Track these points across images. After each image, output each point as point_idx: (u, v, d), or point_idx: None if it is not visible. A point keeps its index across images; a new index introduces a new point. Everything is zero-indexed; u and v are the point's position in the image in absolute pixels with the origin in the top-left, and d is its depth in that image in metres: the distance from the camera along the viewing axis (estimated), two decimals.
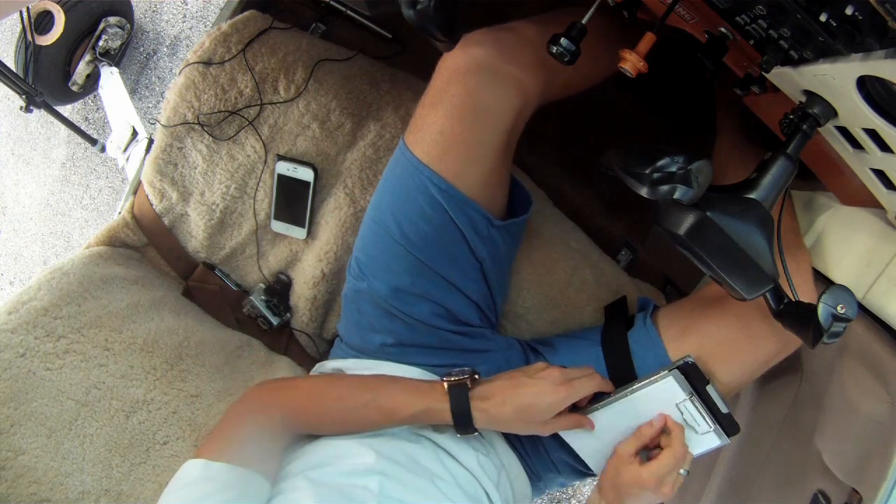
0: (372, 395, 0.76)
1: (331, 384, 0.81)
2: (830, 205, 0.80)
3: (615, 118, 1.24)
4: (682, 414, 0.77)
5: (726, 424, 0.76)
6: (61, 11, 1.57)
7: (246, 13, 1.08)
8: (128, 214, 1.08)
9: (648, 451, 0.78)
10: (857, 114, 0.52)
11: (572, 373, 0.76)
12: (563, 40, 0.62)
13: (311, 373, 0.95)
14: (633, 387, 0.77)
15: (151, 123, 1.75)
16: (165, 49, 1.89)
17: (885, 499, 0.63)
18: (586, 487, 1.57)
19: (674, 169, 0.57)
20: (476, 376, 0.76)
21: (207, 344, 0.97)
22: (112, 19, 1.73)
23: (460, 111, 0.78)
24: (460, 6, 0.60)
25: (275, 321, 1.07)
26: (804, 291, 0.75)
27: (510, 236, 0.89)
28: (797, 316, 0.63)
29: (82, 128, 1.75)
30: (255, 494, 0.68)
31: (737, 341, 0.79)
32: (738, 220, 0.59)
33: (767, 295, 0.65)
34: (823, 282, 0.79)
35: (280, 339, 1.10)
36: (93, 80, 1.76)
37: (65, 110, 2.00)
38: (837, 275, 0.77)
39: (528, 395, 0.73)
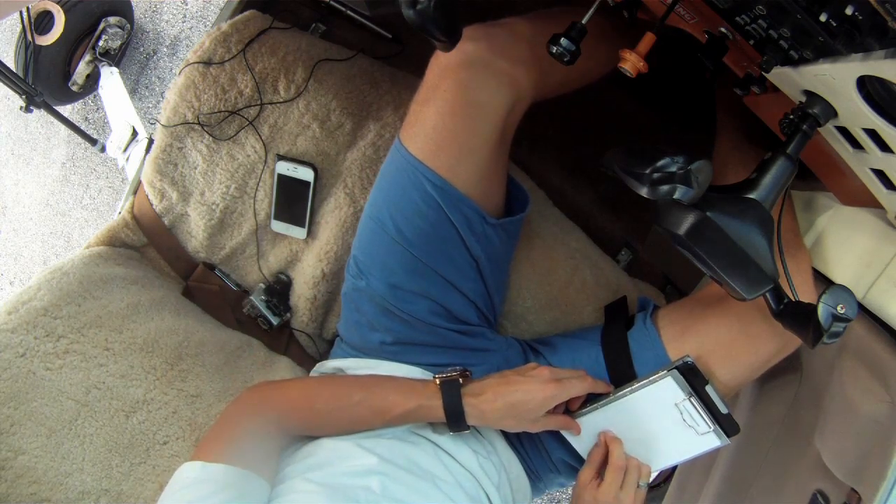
0: (365, 394, 0.76)
1: (324, 384, 0.82)
2: (830, 205, 0.80)
3: (615, 118, 1.24)
4: (681, 414, 0.76)
5: (726, 425, 0.76)
6: (61, 11, 1.57)
7: (246, 13, 1.08)
8: (128, 214, 1.08)
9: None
10: (857, 114, 0.52)
11: (562, 373, 0.77)
12: (563, 40, 0.62)
13: (312, 373, 0.95)
14: (632, 387, 0.78)
15: (151, 123, 1.75)
16: (165, 49, 1.89)
17: (885, 499, 0.63)
18: None
19: (674, 169, 0.57)
20: (468, 374, 0.77)
21: (207, 344, 0.97)
22: (112, 19, 1.73)
23: (452, 106, 0.78)
24: (459, 6, 0.60)
25: (275, 321, 1.07)
26: (804, 291, 0.75)
27: (506, 235, 0.89)
28: (797, 316, 0.63)
29: (82, 128, 1.75)
30: (255, 495, 0.68)
31: (736, 341, 0.79)
32: (737, 220, 0.59)
33: (767, 295, 0.65)
34: (823, 282, 0.79)
35: (280, 339, 1.10)
36: (93, 80, 1.76)
37: (65, 110, 2.00)
38: (837, 275, 0.77)
39: (518, 392, 0.74)
